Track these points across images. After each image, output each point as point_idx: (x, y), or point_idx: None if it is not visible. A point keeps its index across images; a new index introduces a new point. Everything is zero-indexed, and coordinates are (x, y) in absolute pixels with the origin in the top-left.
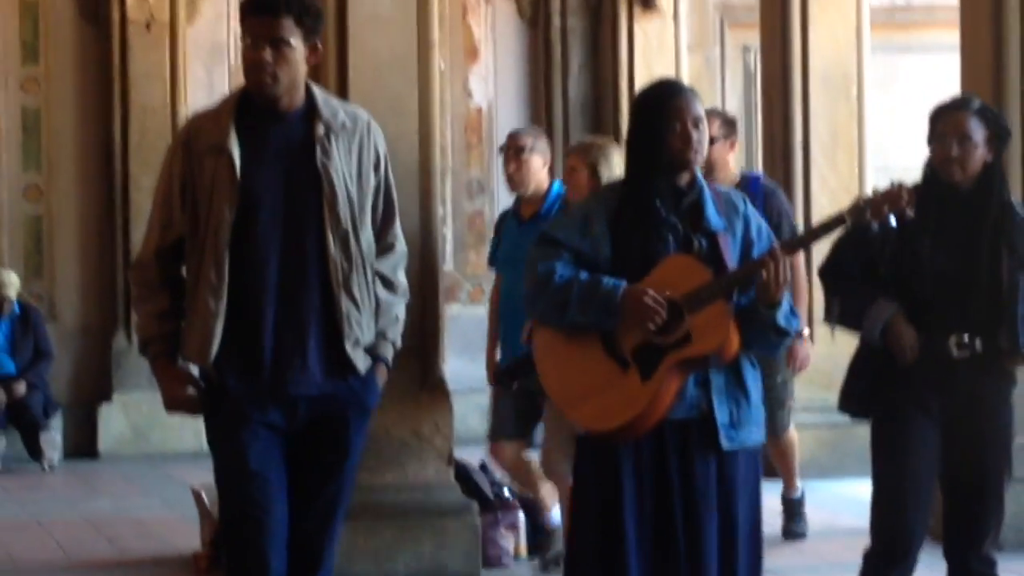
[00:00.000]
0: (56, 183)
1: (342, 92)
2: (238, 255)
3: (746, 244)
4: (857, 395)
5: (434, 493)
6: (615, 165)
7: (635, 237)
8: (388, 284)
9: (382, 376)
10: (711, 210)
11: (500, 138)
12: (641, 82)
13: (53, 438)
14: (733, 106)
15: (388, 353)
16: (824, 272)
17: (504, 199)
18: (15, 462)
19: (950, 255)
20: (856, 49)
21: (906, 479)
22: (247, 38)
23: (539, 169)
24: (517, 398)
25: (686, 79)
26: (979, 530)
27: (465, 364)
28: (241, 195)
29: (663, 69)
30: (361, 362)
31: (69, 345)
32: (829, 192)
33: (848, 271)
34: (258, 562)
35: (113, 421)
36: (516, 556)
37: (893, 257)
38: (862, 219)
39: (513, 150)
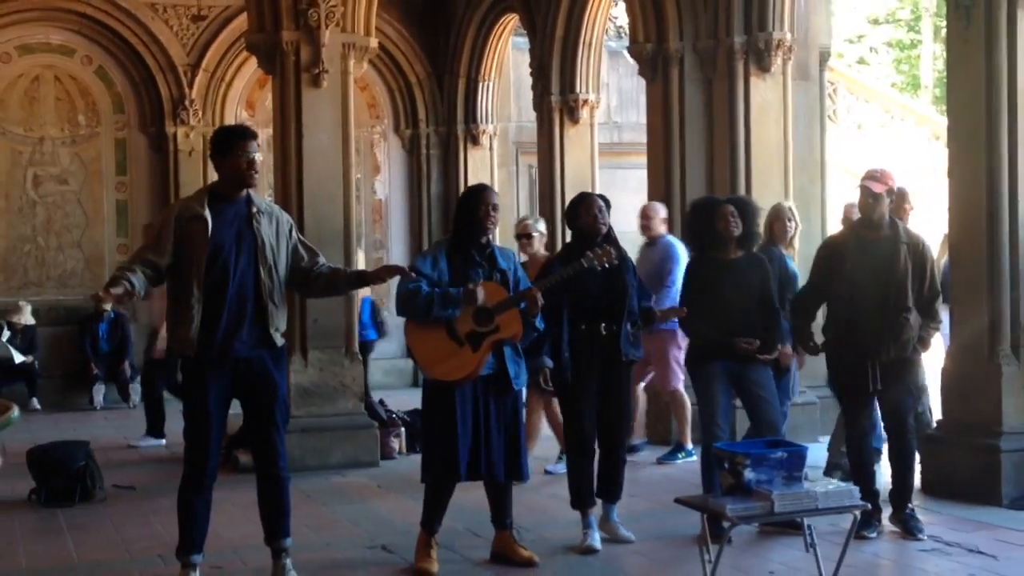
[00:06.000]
0: (135, 243)
1: (299, 191)
2: (208, 280)
3: (516, 278)
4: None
5: (354, 417)
6: None
7: (462, 271)
8: (325, 264)
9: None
10: (500, 258)
11: (394, 218)
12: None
13: (136, 388)
14: (523, 202)
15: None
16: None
17: (396, 252)
18: (113, 403)
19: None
20: (591, 166)
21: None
22: (242, 153)
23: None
24: None
25: (497, 184)
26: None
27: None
28: (210, 246)
29: (484, 178)
30: (279, 340)
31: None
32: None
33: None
34: (204, 463)
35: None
36: (400, 452)
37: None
38: (593, 266)
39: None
